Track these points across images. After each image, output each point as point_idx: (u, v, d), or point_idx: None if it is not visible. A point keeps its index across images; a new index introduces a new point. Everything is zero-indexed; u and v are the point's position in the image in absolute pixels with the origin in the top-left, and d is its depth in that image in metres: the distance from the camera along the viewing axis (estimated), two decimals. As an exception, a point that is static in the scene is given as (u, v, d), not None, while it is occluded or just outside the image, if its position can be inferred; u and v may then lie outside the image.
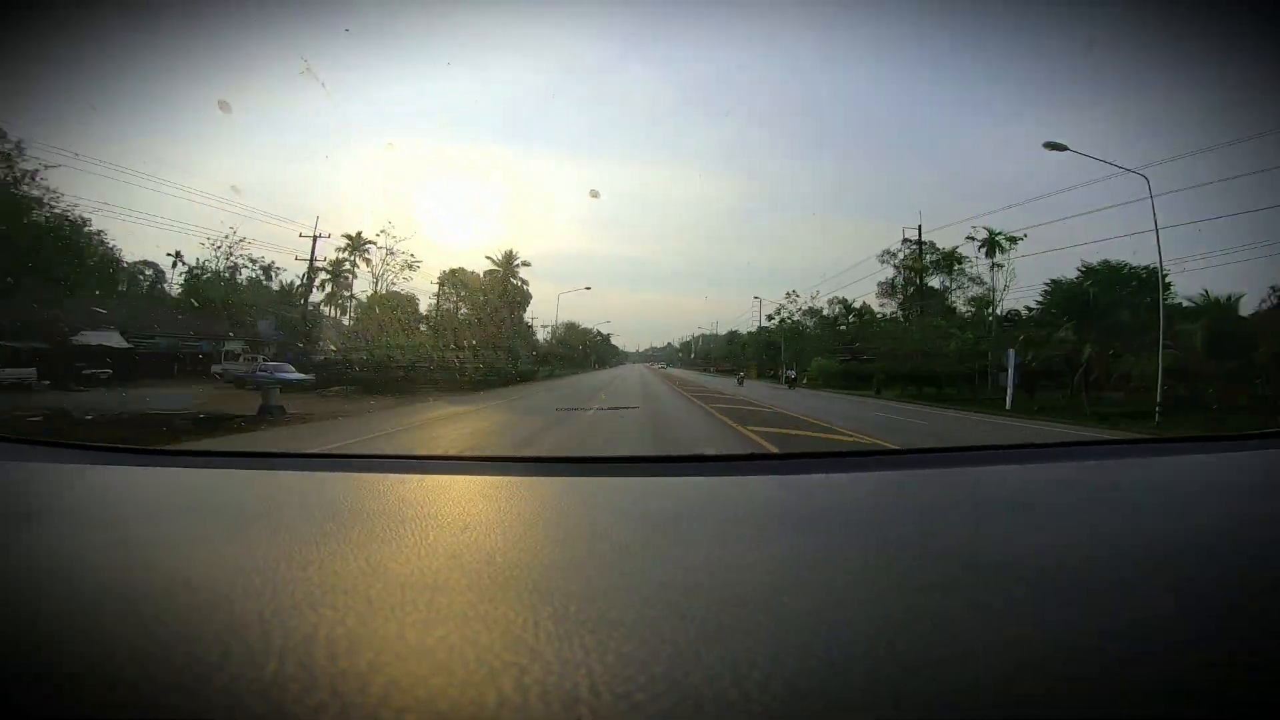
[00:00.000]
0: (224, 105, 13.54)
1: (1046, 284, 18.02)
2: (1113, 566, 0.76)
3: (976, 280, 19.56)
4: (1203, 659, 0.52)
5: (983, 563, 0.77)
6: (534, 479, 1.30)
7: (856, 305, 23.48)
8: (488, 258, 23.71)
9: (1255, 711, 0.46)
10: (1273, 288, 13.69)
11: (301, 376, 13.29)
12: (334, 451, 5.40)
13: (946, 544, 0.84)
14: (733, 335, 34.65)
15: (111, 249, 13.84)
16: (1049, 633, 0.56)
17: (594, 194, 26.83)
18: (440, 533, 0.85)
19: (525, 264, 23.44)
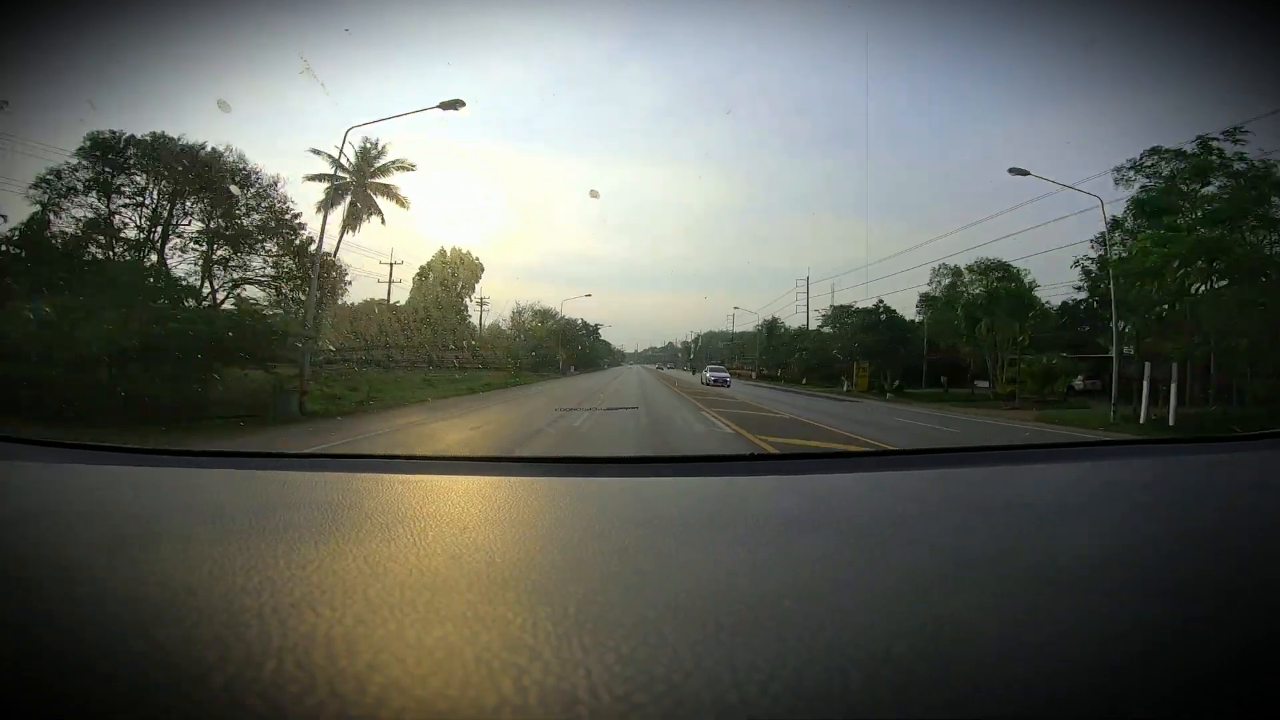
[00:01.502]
0: (223, 105, 13.33)
1: None
2: (1113, 567, 0.76)
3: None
4: (1204, 660, 0.52)
5: (984, 563, 0.76)
6: (534, 479, 1.30)
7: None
8: (313, 150, 13.46)
9: (1255, 712, 0.46)
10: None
11: None
12: (333, 451, 5.39)
13: (947, 544, 0.84)
14: (773, 326, 24.48)
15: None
16: (1050, 634, 0.56)
17: (594, 194, 25.99)
18: (440, 533, 0.85)
19: (406, 168, 13.88)
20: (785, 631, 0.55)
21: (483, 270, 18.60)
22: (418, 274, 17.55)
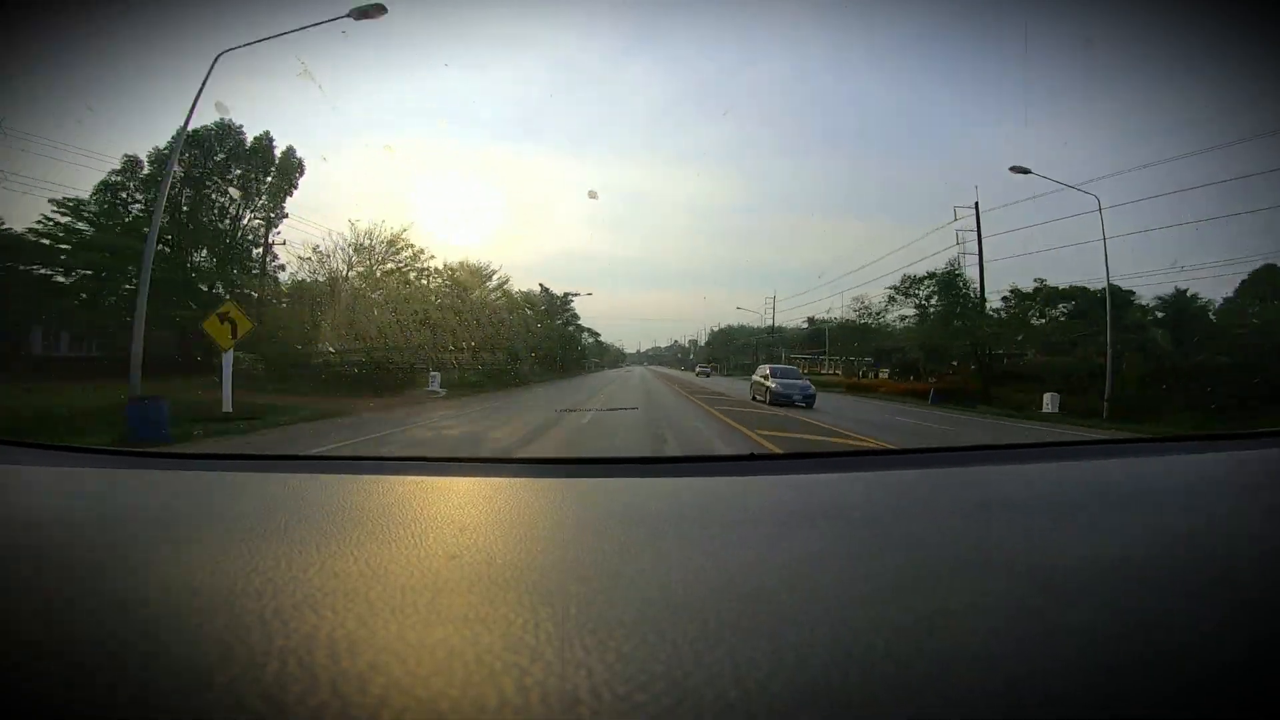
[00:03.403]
0: (220, 107, 13.25)
1: None
2: (1113, 566, 0.76)
3: None
4: (1204, 660, 0.52)
5: (983, 562, 0.77)
6: (533, 480, 1.30)
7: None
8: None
9: (1257, 712, 0.47)
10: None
11: None
12: (332, 453, 5.38)
13: (946, 543, 0.84)
14: (950, 283, 15.23)
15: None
16: (1049, 633, 0.57)
17: (592, 195, 25.83)
18: (440, 534, 0.85)
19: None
20: (785, 629, 0.55)
21: (302, 173, 9.15)
22: (117, 171, 8.51)
